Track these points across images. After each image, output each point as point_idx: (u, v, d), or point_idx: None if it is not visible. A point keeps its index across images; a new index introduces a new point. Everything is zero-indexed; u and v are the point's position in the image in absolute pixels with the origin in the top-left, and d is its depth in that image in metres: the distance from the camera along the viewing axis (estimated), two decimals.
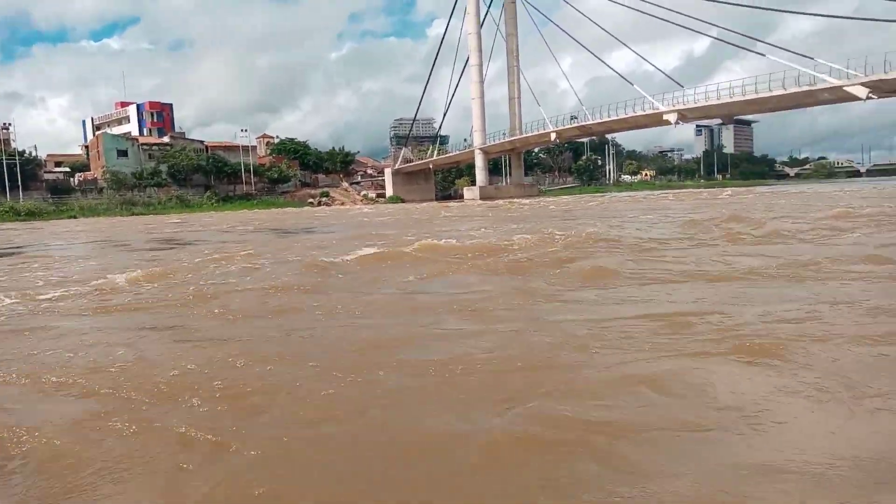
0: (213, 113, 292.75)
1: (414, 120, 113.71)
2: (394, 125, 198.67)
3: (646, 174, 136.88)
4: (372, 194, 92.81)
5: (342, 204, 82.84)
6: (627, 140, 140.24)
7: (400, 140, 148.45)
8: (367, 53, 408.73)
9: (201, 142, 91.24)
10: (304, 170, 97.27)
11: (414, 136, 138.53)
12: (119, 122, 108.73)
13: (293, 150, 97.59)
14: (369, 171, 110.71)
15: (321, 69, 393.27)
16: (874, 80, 46.60)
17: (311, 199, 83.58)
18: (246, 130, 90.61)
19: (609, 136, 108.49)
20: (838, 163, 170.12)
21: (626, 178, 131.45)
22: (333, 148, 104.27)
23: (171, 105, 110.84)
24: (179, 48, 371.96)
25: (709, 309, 5.39)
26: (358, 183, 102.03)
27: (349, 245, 13.22)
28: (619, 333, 4.75)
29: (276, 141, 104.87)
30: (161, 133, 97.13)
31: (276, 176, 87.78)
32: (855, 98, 48.95)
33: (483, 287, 7.31)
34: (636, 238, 12.04)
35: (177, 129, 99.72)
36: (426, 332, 5.19)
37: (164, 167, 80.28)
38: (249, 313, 6.29)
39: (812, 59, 52.03)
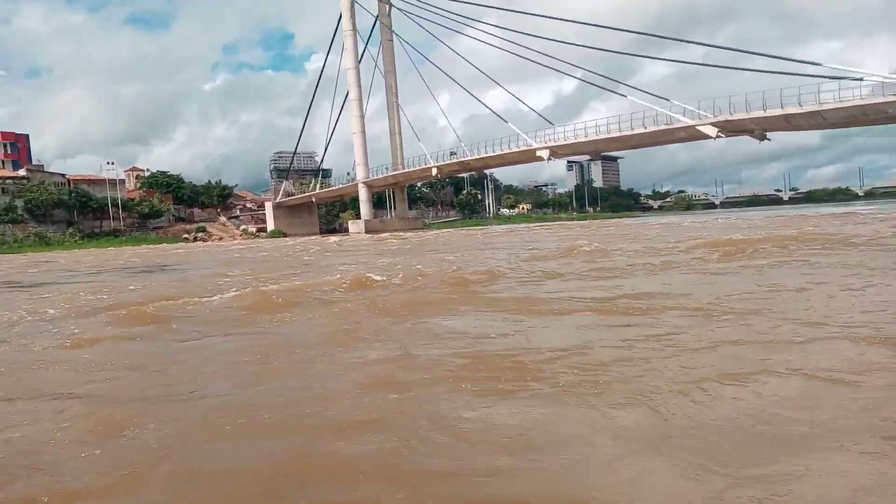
0: (76, 144, 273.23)
1: (295, 153, 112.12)
2: (273, 158, 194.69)
3: (523, 207, 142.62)
4: (252, 228, 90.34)
5: (220, 239, 79.95)
6: (505, 175, 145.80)
7: (280, 173, 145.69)
8: (243, 85, 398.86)
9: (62, 175, 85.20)
10: (179, 204, 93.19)
11: (295, 170, 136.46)
12: None
13: (166, 184, 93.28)
14: (249, 205, 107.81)
15: (195, 100, 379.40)
16: (721, 121, 51.62)
17: (186, 235, 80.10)
18: (112, 163, 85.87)
19: (487, 172, 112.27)
20: (696, 196, 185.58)
21: (505, 211, 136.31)
22: (210, 181, 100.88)
23: (26, 136, 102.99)
24: (35, 76, 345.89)
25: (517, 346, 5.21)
26: (237, 217, 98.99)
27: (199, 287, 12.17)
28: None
29: (147, 174, 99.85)
30: (16, 165, 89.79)
31: (147, 211, 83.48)
32: (706, 136, 53.88)
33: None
34: (475, 271, 11.79)
35: (35, 162, 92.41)
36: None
37: (19, 202, 74.08)
38: None
39: (668, 100, 56.99)
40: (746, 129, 52.70)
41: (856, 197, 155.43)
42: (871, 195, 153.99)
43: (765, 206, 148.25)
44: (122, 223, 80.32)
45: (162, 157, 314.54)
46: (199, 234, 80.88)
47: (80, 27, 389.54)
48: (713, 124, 52.20)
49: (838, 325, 5.12)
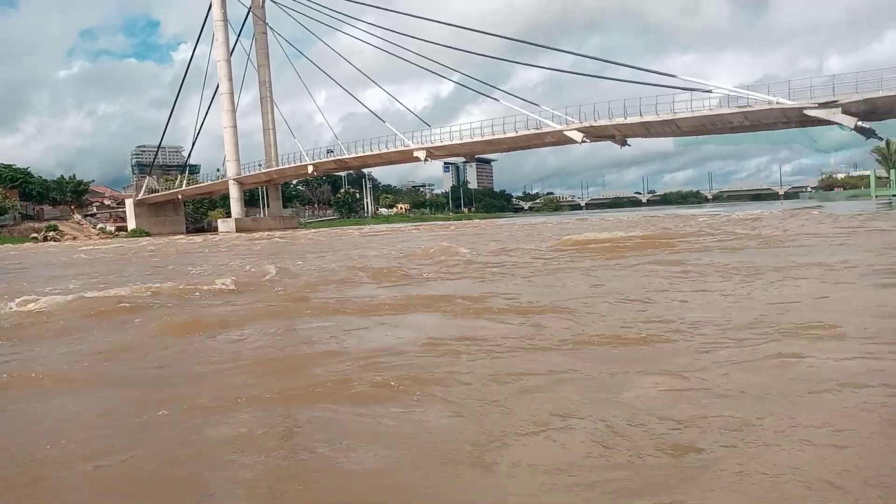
0: None
1: (159, 147, 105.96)
2: (136, 152, 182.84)
3: (401, 207, 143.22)
4: (111, 227, 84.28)
5: (74, 238, 73.91)
6: (383, 175, 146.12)
7: (143, 169, 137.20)
8: (103, 74, 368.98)
9: None
10: (26, 200, 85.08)
11: (160, 165, 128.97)
12: None
13: (10, 178, 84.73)
14: (107, 203, 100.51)
15: (47, 88, 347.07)
16: (586, 127, 54.59)
17: (34, 234, 73.32)
18: None
19: (366, 171, 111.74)
20: (563, 197, 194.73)
21: (384, 210, 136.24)
22: (63, 176, 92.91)
23: None
24: None
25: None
26: (94, 215, 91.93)
27: None
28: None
29: None
30: None
31: None
32: (573, 141, 56.74)
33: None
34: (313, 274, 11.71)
35: None
36: None
37: None
38: None
39: (538, 105, 59.51)
40: (609, 135, 56.07)
41: (705, 200, 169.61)
42: (718, 198, 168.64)
43: (626, 207, 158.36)
44: None
45: (6, 150, 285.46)
46: (50, 234, 74.34)
47: None
48: (579, 129, 55.06)
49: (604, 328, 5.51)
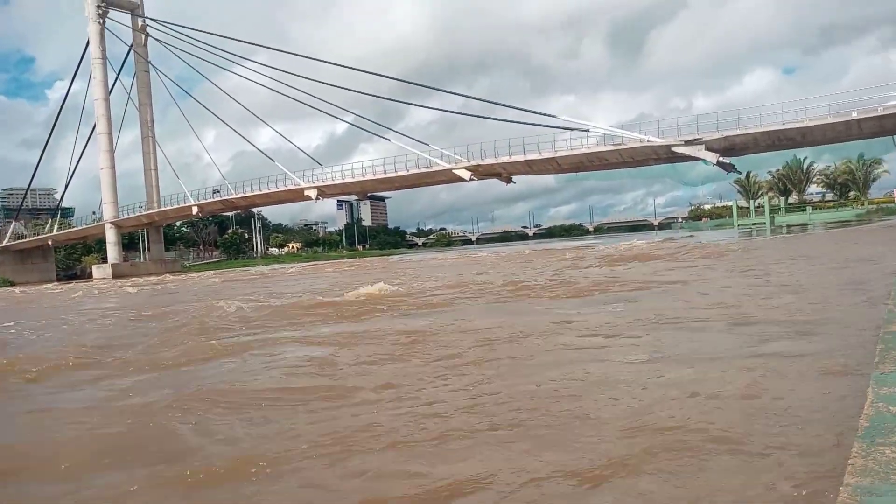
0: None
1: (27, 189, 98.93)
2: (2, 196, 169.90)
3: (293, 246, 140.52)
4: None
5: None
6: (274, 214, 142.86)
7: (10, 213, 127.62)
8: None
9: None
10: None
11: (29, 209, 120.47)
12: None
13: None
14: None
15: None
16: (473, 165, 56.18)
17: None
18: None
19: (255, 210, 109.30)
20: (455, 233, 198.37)
21: (274, 250, 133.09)
22: None
23: None
24: None
25: None
26: None
27: None
28: None
29: None
30: None
31: None
32: (462, 179, 58.13)
33: None
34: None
35: None
36: None
37: None
38: None
39: (427, 145, 60.80)
40: (495, 173, 58.02)
41: (587, 232, 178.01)
42: (599, 230, 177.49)
43: (514, 241, 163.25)
44: None
45: None
46: None
47: None
48: (467, 168, 56.60)
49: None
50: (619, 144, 51.12)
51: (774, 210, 78.97)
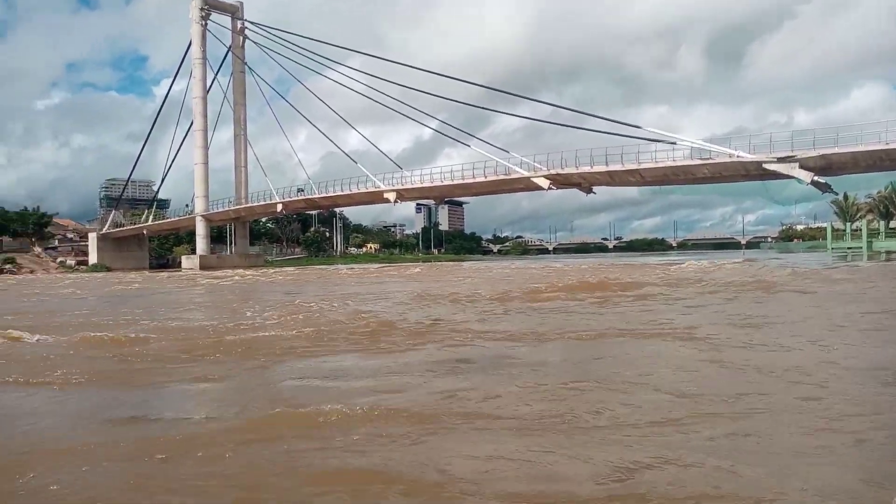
0: None
1: (128, 180, 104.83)
2: (105, 185, 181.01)
3: (371, 247, 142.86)
4: (72, 261, 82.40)
5: (31, 272, 72.05)
6: (355, 214, 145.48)
7: (112, 202, 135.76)
8: (82, 106, 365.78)
9: None
10: None
11: (129, 199, 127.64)
12: None
13: None
14: (69, 235, 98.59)
15: (22, 118, 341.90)
16: (553, 174, 55.34)
17: None
18: None
19: (337, 210, 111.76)
20: (532, 241, 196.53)
21: (353, 250, 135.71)
22: (26, 208, 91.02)
23: None
24: None
25: None
26: (54, 248, 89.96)
27: None
28: None
29: None
30: None
31: None
32: (540, 187, 57.43)
33: None
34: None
35: None
36: None
37: None
38: None
39: (508, 152, 60.37)
40: (575, 183, 56.92)
41: (670, 247, 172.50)
42: (682, 246, 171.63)
43: (592, 252, 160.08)
44: None
45: None
46: (7, 266, 72.30)
47: None
48: (546, 177, 55.78)
49: None
50: (707, 159, 49.12)
51: (873, 234, 73.71)
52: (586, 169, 53.86)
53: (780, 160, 45.36)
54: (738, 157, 47.30)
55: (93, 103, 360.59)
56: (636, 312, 11.93)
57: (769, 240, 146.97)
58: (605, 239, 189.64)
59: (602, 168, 53.08)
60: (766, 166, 46.27)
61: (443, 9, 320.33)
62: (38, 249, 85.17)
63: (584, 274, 29.52)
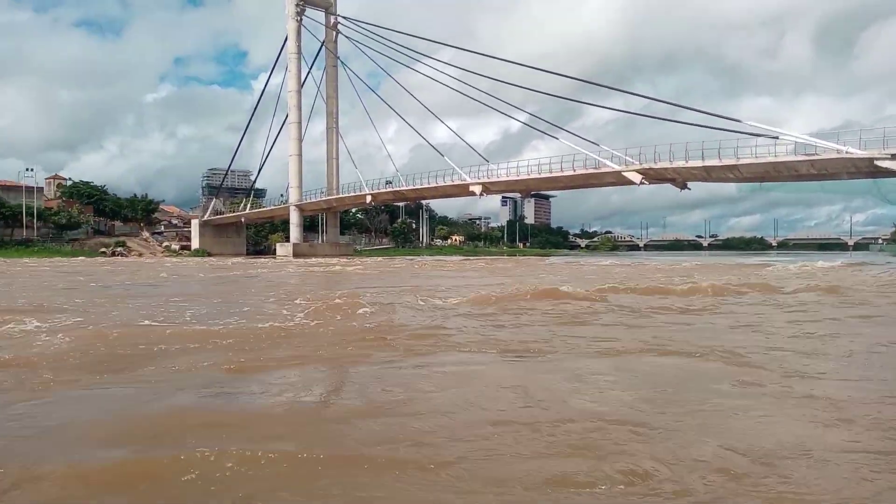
0: (3, 147, 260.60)
1: (228, 170, 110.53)
2: (206, 174, 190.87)
3: (455, 239, 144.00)
4: (175, 246, 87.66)
5: (139, 255, 77.21)
6: (440, 206, 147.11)
7: (212, 190, 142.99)
8: (187, 99, 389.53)
9: None
10: (101, 216, 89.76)
11: (228, 188, 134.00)
12: None
13: (87, 195, 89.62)
14: (174, 222, 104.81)
15: (133, 110, 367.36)
16: (645, 168, 53.66)
17: (103, 249, 76.91)
18: (31, 170, 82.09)
19: (423, 202, 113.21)
20: (621, 237, 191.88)
21: (438, 241, 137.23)
22: (135, 195, 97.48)
23: None
24: None
25: None
26: (161, 233, 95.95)
27: None
28: None
29: (69, 183, 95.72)
30: None
31: (64, 221, 79.87)
32: (631, 182, 55.82)
33: None
34: None
35: None
36: None
37: None
38: None
39: (598, 145, 59.05)
40: (668, 178, 55.04)
41: (769, 247, 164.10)
42: (783, 246, 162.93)
43: (685, 250, 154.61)
44: (35, 232, 76.52)
45: (91, 167, 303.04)
46: (118, 249, 77.83)
47: (23, 26, 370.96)
48: (638, 171, 54.16)
49: None
50: (812, 155, 46.21)
51: None
52: (680, 163, 51.93)
53: (894, 157, 42.29)
54: (846, 153, 44.35)
55: (197, 96, 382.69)
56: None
57: (880, 241, 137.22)
58: (700, 236, 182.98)
59: (697, 163, 51.02)
60: (878, 163, 43.20)
61: (535, 1, 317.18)
62: (145, 234, 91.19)
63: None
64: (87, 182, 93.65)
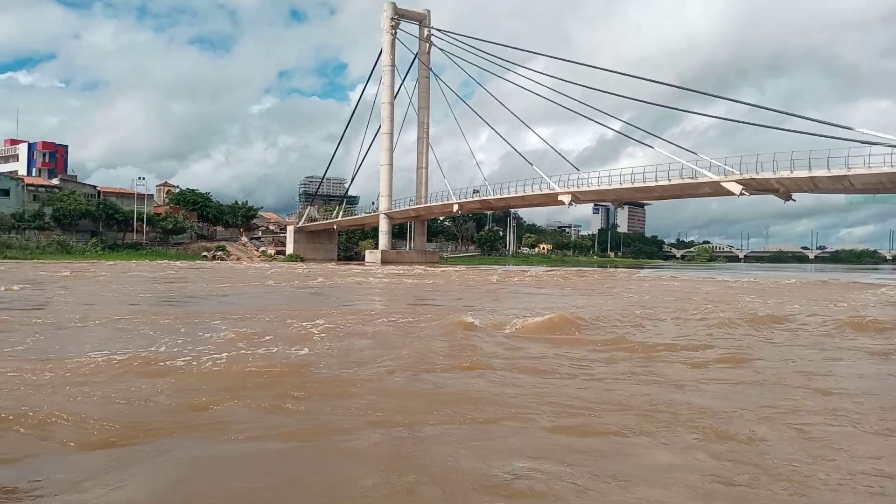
0: (119, 156, 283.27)
1: (323, 178, 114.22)
2: (304, 182, 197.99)
3: (543, 247, 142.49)
4: (271, 251, 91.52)
5: (238, 259, 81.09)
6: (528, 214, 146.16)
7: (308, 197, 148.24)
8: (289, 109, 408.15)
9: (94, 186, 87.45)
10: (204, 222, 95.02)
11: (323, 195, 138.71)
12: (6, 159, 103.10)
13: (192, 201, 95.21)
14: (271, 227, 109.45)
15: (239, 121, 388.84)
16: (746, 178, 50.82)
17: (205, 253, 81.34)
18: (143, 178, 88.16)
19: (511, 210, 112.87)
20: (720, 247, 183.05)
21: (526, 250, 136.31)
22: (236, 201, 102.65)
23: (65, 147, 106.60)
24: (93, 88, 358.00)
25: None
26: (258, 238, 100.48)
27: None
28: None
29: (177, 191, 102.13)
30: (52, 174, 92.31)
31: (170, 226, 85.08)
32: (730, 193, 53.09)
33: None
34: None
35: (71, 172, 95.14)
36: None
37: (48, 210, 76.00)
38: None
39: (695, 154, 56.79)
40: (771, 189, 52.04)
41: (883, 260, 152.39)
42: None
43: (789, 262, 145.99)
44: (144, 237, 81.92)
45: (199, 175, 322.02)
46: (219, 253, 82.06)
47: (145, 45, 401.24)
48: (738, 181, 51.46)
49: None
50: None
51: None
52: (785, 174, 48.88)
53: None
54: None
55: (298, 107, 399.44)
56: None
57: None
58: (806, 248, 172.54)
59: (804, 173, 47.83)
60: None
61: (633, 6, 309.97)
62: (244, 239, 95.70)
63: None
64: (193, 189, 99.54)
